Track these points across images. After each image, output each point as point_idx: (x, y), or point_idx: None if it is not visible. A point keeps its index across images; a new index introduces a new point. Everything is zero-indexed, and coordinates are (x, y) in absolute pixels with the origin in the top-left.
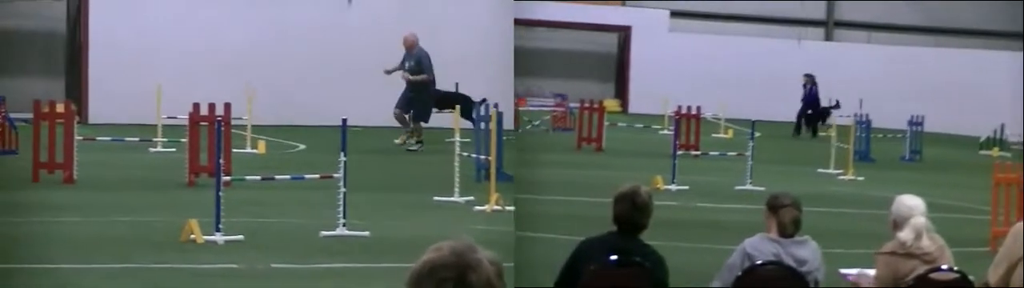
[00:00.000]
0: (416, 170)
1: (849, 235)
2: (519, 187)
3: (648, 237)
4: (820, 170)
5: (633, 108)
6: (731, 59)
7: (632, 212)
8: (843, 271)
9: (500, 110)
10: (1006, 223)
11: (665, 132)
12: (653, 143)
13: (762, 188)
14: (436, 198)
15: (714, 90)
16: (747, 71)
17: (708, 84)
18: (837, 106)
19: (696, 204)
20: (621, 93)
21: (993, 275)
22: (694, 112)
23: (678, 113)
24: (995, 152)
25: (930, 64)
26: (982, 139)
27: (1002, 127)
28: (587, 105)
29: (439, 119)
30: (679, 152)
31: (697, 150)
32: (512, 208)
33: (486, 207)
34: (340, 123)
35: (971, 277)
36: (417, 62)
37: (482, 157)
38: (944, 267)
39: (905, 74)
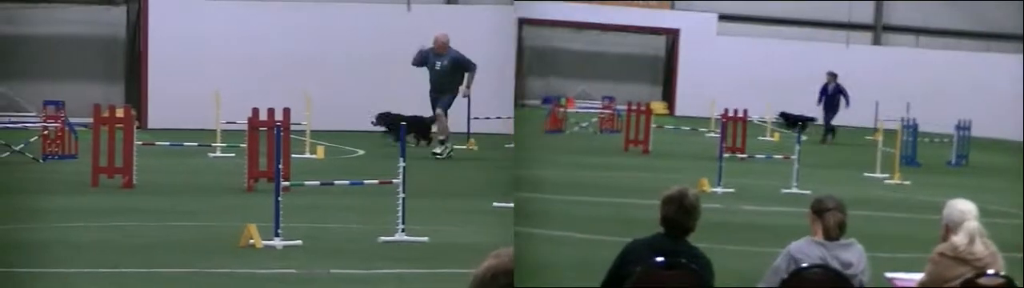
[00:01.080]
0: (475, 175)
1: (895, 239)
2: (556, 188)
3: (694, 239)
4: (866, 174)
5: (680, 111)
6: (779, 62)
7: (680, 214)
8: (889, 275)
9: (502, 116)
10: None
11: (711, 135)
12: (699, 145)
13: (808, 191)
14: (496, 204)
15: (761, 93)
16: (795, 74)
17: (755, 87)
18: (812, 119)
19: (742, 207)
20: (668, 95)
21: None
22: (741, 115)
23: (725, 116)
24: None
25: (978, 68)
26: None
27: None
28: (634, 107)
29: (499, 124)
30: (725, 155)
31: (743, 153)
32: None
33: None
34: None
35: (1018, 283)
36: (454, 62)
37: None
38: (990, 272)
39: (953, 78)
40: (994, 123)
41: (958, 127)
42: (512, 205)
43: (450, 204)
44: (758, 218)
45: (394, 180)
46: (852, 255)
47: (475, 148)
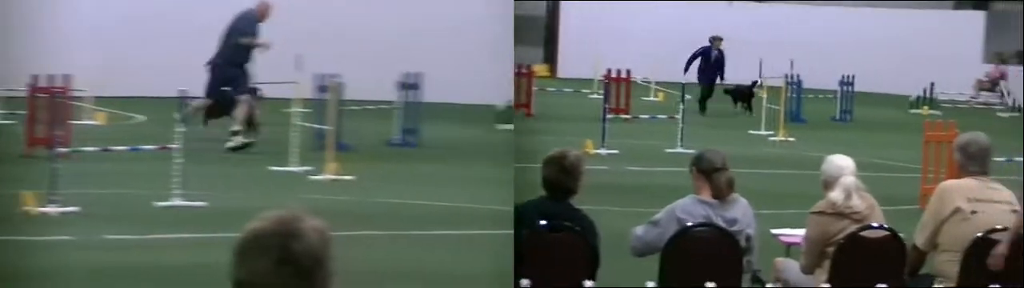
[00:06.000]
0: (259, 140)
1: (782, 196)
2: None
3: (581, 201)
4: (752, 132)
5: (563, 73)
6: (662, 22)
7: (561, 176)
8: (775, 231)
9: (414, 81)
10: (936, 181)
11: (595, 96)
12: (583, 107)
13: (693, 151)
14: (273, 168)
15: (644, 53)
16: (679, 34)
17: (637, 47)
18: (758, 85)
19: (627, 168)
20: (550, 58)
21: (920, 237)
22: (624, 76)
23: (607, 76)
24: (925, 111)
25: (858, 23)
26: (912, 98)
27: (932, 86)
28: (516, 70)
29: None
30: (609, 116)
31: (628, 114)
32: (351, 177)
33: (323, 176)
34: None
35: (901, 234)
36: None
37: (321, 126)
38: (874, 224)
39: (834, 34)
40: (878, 78)
41: (842, 82)
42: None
43: (230, 169)
44: (644, 178)
45: (172, 146)
46: (737, 212)
47: (259, 112)
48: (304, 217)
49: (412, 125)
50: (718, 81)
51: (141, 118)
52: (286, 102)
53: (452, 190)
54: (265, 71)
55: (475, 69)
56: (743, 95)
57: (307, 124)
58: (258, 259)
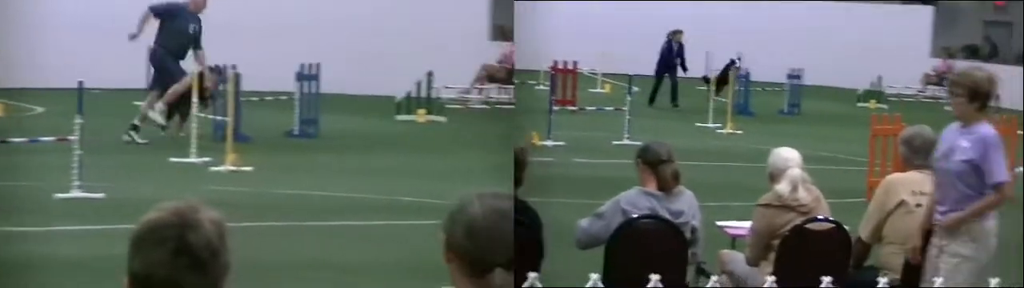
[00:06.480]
0: (154, 132)
1: (728, 188)
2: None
3: (526, 193)
4: (699, 124)
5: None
6: (613, 13)
7: None
8: (721, 223)
9: (313, 72)
10: (882, 174)
11: (541, 87)
12: (530, 99)
13: (640, 143)
14: (172, 159)
15: (591, 45)
16: (627, 26)
17: (586, 39)
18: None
19: (574, 159)
20: None
21: (865, 230)
22: (571, 67)
23: (554, 68)
24: (873, 104)
25: (807, 17)
26: (860, 92)
27: (879, 79)
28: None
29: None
30: (556, 107)
31: (575, 105)
32: (250, 168)
33: (223, 167)
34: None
35: (847, 227)
36: (200, 26)
37: (220, 118)
38: (820, 217)
39: (782, 27)
40: (826, 71)
41: (790, 76)
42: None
43: (129, 160)
44: (590, 170)
45: (70, 137)
46: (683, 204)
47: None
48: (200, 208)
49: (311, 116)
50: (681, 73)
51: (40, 110)
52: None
53: (352, 181)
54: None
55: (374, 60)
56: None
57: (206, 115)
58: (154, 250)
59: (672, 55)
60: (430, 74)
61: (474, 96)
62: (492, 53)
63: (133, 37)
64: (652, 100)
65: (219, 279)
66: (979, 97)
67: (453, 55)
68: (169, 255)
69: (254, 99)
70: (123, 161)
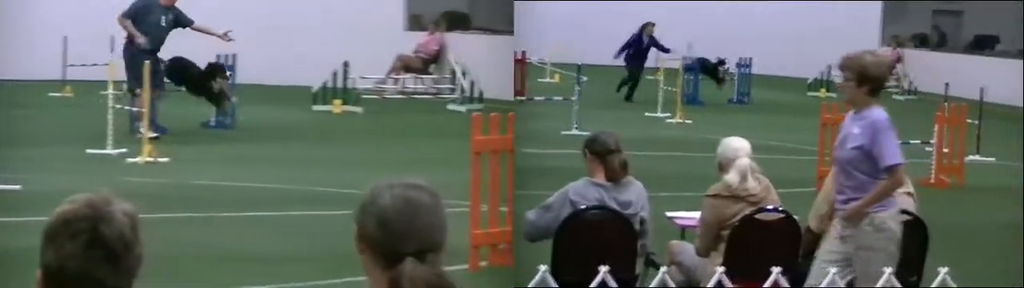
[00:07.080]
0: (70, 123)
1: (678, 178)
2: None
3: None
4: (648, 114)
5: None
6: (562, 4)
7: None
8: (670, 214)
9: (229, 62)
10: (832, 163)
11: None
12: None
13: (588, 133)
14: (89, 151)
15: (542, 34)
16: (580, 16)
17: (536, 29)
18: (722, 63)
19: (522, 150)
20: None
21: (813, 219)
22: (520, 57)
23: None
24: (823, 93)
25: (757, 6)
26: (810, 81)
27: (829, 68)
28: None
29: (96, 72)
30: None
31: (523, 95)
32: (166, 160)
33: (139, 159)
34: None
35: (796, 217)
36: (177, 18)
37: (135, 109)
38: (769, 207)
39: (728, 16)
40: (775, 61)
41: (739, 65)
42: (112, 152)
43: (45, 152)
44: (537, 161)
45: None
46: (631, 194)
47: (72, 95)
48: (114, 200)
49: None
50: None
51: None
52: (102, 84)
53: (268, 172)
54: (78, 53)
55: (290, 51)
56: (710, 70)
57: (122, 106)
58: (67, 243)
59: (641, 47)
60: (346, 64)
61: (390, 86)
62: (408, 43)
63: (141, 42)
64: (629, 97)
65: (133, 271)
66: (868, 81)
67: (369, 45)
68: (82, 248)
69: (170, 90)
70: (39, 152)
